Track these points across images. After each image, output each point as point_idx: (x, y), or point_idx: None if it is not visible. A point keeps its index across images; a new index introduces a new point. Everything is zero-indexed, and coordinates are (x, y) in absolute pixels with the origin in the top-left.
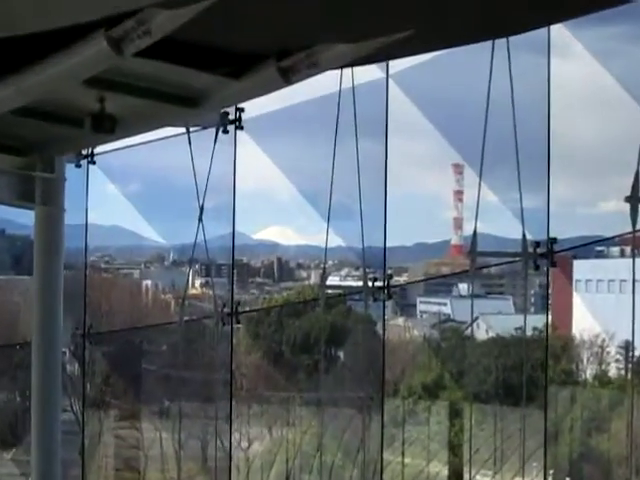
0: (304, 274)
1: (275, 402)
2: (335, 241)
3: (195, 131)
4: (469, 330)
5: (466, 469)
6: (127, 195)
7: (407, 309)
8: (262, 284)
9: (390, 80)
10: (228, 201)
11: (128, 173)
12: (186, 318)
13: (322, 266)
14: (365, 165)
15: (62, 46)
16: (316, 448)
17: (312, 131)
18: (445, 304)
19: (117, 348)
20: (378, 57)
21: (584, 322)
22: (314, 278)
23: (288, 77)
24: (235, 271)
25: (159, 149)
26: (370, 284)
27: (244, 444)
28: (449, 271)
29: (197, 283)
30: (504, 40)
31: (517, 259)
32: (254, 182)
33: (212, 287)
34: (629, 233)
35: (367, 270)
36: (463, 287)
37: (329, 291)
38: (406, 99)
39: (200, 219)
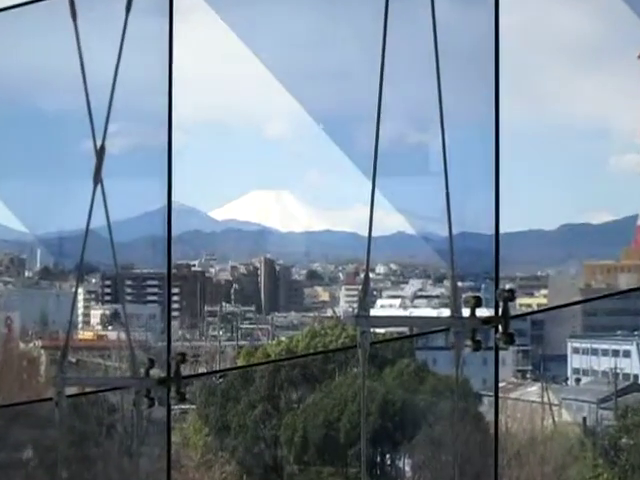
0: (323, 294)
1: None
2: (389, 222)
3: None
4: None
5: None
6: None
7: (548, 366)
8: (235, 317)
9: None
10: (158, 140)
11: None
12: (72, 391)
13: (361, 276)
14: (448, 55)
15: None
16: None
17: None
18: (627, 354)
19: None
20: None
21: None
22: (344, 302)
23: None
24: (177, 290)
25: (9, 28)
26: (467, 313)
27: None
28: (635, 283)
29: (95, 316)
30: None
31: None
32: (212, 96)
33: (126, 325)
34: None
35: (460, 284)
36: None
37: (379, 330)
38: None
39: (97, 180)
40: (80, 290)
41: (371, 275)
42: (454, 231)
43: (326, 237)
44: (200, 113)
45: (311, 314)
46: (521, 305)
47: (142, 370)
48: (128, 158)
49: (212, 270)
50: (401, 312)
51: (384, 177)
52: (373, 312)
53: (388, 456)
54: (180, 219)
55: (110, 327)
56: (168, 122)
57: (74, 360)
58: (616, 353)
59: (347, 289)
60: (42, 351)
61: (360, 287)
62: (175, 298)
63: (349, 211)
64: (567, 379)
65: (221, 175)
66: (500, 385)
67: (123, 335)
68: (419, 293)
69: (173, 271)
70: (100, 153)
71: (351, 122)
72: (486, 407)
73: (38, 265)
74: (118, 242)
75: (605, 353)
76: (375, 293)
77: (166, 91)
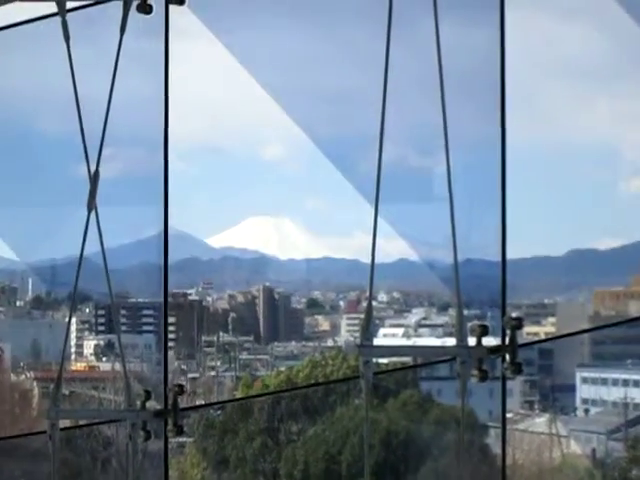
0: (324, 323)
1: None
2: (392, 249)
3: (76, 9)
4: None
5: None
6: None
7: (556, 396)
8: (233, 347)
9: None
10: (153, 165)
11: None
12: (65, 424)
13: (363, 304)
14: (453, 76)
15: None
16: None
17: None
18: (638, 383)
19: None
20: None
21: None
22: (346, 331)
23: None
24: (173, 319)
25: None
26: (473, 342)
27: None
28: None
29: (88, 347)
30: None
31: None
32: (208, 119)
33: (122, 355)
34: None
35: (465, 312)
36: None
37: (382, 360)
38: None
39: (91, 206)
40: (73, 320)
41: (373, 303)
42: (459, 258)
43: (326, 264)
44: (196, 137)
45: (311, 344)
46: (528, 334)
47: (138, 402)
48: (122, 183)
49: (209, 299)
50: (404, 341)
51: (386, 202)
52: (376, 341)
53: None
54: (176, 246)
55: (104, 358)
56: (164, 146)
57: (67, 392)
58: (626, 383)
59: (348, 318)
60: (34, 383)
61: (362, 316)
62: (171, 328)
63: (350, 238)
64: (576, 410)
65: (218, 201)
66: (507, 416)
67: (118, 366)
68: (423, 322)
69: (169, 300)
70: (94, 178)
71: (351, 145)
72: (493, 439)
73: (30, 294)
74: (112, 270)
75: (615, 383)
76: (377, 322)
77: (161, 114)
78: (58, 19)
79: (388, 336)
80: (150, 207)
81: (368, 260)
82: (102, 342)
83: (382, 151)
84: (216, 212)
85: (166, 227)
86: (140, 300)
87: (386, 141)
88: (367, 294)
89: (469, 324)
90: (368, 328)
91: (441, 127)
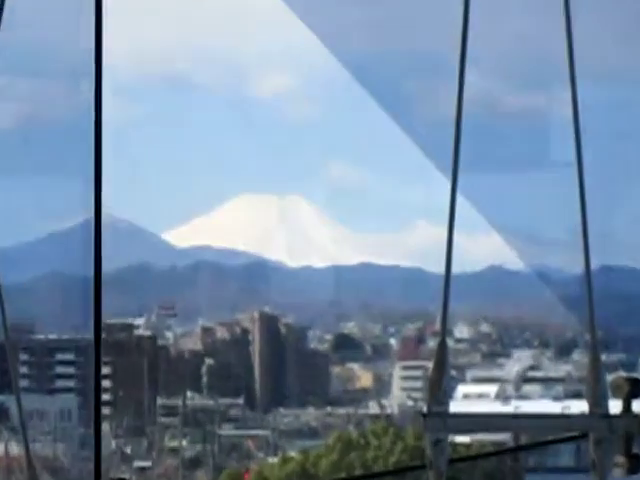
0: (363, 375)
1: None
2: (478, 250)
3: None
4: None
5: None
6: None
7: None
8: (209, 415)
9: None
10: (78, 107)
11: None
12: None
13: (430, 344)
14: None
15: None
16: None
17: None
18: None
19: None
20: None
21: None
22: (400, 390)
23: None
24: (109, 369)
25: None
26: (617, 408)
27: None
28: None
29: None
30: None
31: None
32: (171, 35)
33: (22, 430)
34: None
35: (604, 357)
36: None
37: (462, 439)
38: None
39: None
40: None
41: (448, 342)
42: (593, 264)
43: (367, 275)
44: (148, 62)
45: (342, 410)
46: None
47: None
48: (26, 138)
49: (169, 334)
50: (499, 407)
51: (469, 170)
52: (452, 407)
53: None
54: (116, 245)
55: None
56: (96, 76)
57: None
58: None
59: (404, 367)
60: None
61: (428, 364)
62: (106, 383)
63: (407, 230)
64: None
65: (185, 169)
66: None
67: (15, 448)
68: (530, 373)
69: (103, 336)
70: None
71: (406, 75)
72: None
73: None
74: (8, 285)
75: None
76: (455, 373)
77: (91, 25)
78: None
79: (472, 398)
80: (72, 180)
81: (437, 268)
82: None
83: (463, 84)
84: (182, 188)
85: (98, 213)
86: (53, 337)
87: (468, 68)
88: (437, 326)
89: (610, 377)
90: (440, 385)
91: (560, 49)
